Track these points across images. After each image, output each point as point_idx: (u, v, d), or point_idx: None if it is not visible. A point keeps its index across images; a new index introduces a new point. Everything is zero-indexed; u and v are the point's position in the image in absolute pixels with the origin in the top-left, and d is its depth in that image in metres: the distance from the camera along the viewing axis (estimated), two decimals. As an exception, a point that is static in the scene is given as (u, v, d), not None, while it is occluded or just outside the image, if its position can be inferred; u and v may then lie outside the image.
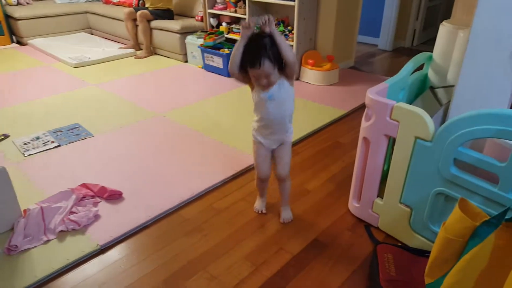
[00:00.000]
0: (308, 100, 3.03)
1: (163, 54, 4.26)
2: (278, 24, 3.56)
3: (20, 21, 4.52)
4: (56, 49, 4.25)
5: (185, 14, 4.42)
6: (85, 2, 5.20)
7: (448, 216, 1.07)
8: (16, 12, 4.50)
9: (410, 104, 1.71)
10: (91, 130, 2.51)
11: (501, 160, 1.17)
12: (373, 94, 1.46)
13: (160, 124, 2.63)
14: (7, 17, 4.58)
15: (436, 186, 1.34)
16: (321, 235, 1.63)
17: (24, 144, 2.30)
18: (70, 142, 2.34)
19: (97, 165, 2.12)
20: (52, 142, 2.33)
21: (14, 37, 4.70)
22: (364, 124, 1.55)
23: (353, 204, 1.74)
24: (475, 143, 1.39)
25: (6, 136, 2.40)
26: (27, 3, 4.82)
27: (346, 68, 3.82)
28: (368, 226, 1.67)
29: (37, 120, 2.66)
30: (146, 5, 4.25)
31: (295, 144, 2.37)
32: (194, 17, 4.26)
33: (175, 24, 3.93)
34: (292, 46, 3.39)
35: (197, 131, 2.51)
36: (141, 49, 4.36)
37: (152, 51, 4.31)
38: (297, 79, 3.50)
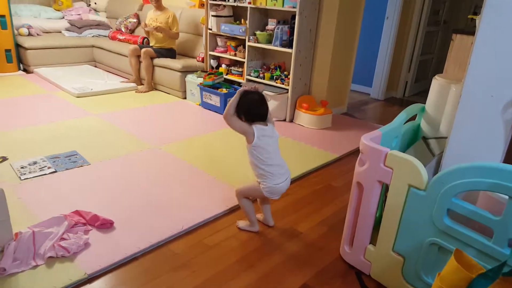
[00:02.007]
0: (301, 142, 3.12)
1: (163, 90, 4.40)
2: (275, 69, 3.74)
3: (29, 51, 4.68)
4: (60, 78, 4.37)
5: (187, 54, 4.63)
6: (92, 36, 5.41)
7: (442, 267, 1.06)
8: (26, 42, 4.67)
9: (403, 152, 1.80)
10: (88, 158, 2.55)
11: (495, 213, 1.17)
12: (367, 140, 1.50)
13: (156, 156, 2.69)
14: (18, 46, 4.74)
15: (430, 236, 1.34)
16: (311, 279, 1.62)
17: (21, 168, 2.33)
18: (67, 169, 2.37)
19: (91, 192, 2.14)
20: (49, 167, 2.36)
21: (21, 65, 4.84)
22: (358, 169, 1.57)
23: (345, 250, 1.73)
24: (469, 194, 1.39)
25: (4, 159, 2.44)
26: (38, 34, 5.01)
27: (339, 113, 3.97)
28: (359, 274, 1.65)
29: (36, 145, 2.71)
30: (151, 44, 4.45)
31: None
32: (195, 58, 4.46)
33: (177, 63, 4.11)
34: (288, 90, 3.55)
35: (191, 165, 2.56)
36: (142, 84, 4.50)
37: (153, 86, 4.46)
38: (291, 121, 3.63)
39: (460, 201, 1.26)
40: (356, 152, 3.03)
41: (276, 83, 3.64)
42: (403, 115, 1.86)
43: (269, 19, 3.70)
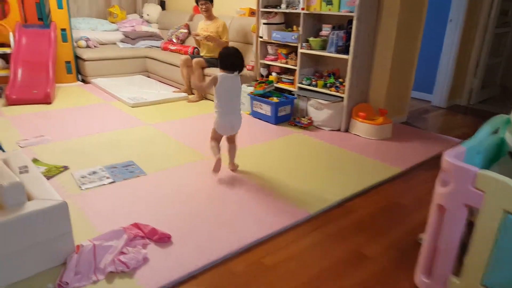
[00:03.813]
0: (360, 154, 2.94)
1: (213, 100, 4.39)
2: (328, 76, 3.59)
3: (87, 62, 4.91)
4: (116, 88, 4.52)
5: (237, 62, 4.60)
6: (145, 47, 5.58)
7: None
8: (85, 54, 4.90)
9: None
10: (144, 168, 2.55)
11: None
12: (451, 158, 1.35)
13: (210, 167, 2.62)
14: (77, 58, 5.00)
15: (530, 271, 1.18)
16: (382, 310, 1.47)
17: (82, 177, 2.37)
18: (124, 179, 2.38)
19: (148, 204, 2.12)
20: (108, 177, 2.38)
21: (79, 76, 5.08)
22: (439, 190, 1.42)
23: (421, 279, 1.56)
24: None
25: (66, 168, 2.50)
26: (95, 46, 5.25)
27: (398, 123, 3.72)
28: None
29: (95, 154, 2.76)
30: (201, 54, 4.48)
31: (348, 200, 2.27)
32: (245, 66, 4.42)
33: (228, 72, 4.08)
34: (343, 98, 3.38)
35: (245, 177, 2.48)
36: (193, 94, 4.53)
37: (203, 96, 4.47)
38: (346, 130, 3.45)
39: None
40: (422, 165, 2.79)
41: (330, 90, 3.48)
42: (487, 128, 1.67)
43: (323, 25, 3.56)
